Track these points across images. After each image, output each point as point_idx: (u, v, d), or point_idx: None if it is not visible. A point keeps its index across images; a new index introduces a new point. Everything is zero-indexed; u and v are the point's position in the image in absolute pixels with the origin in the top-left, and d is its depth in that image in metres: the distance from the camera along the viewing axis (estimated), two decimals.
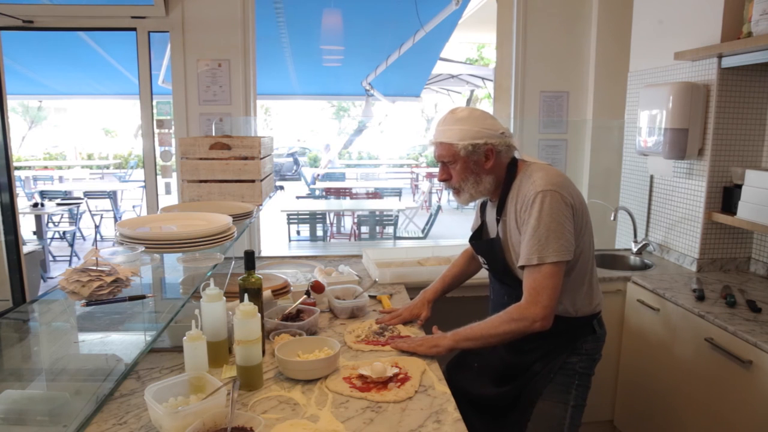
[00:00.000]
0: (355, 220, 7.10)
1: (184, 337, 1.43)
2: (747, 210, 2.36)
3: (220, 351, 1.59)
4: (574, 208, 1.63)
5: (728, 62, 2.45)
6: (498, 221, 1.74)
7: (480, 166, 1.69)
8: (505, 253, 1.73)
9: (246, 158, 2.23)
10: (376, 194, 8.21)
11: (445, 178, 1.74)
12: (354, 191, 8.74)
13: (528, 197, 1.61)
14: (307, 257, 2.96)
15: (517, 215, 1.66)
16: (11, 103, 12.56)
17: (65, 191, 8.65)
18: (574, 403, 1.71)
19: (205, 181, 2.24)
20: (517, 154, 1.76)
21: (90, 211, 7.90)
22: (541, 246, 1.57)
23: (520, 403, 1.75)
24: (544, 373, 1.71)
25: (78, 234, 7.60)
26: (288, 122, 20.02)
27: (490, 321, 1.65)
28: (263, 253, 3.29)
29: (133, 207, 9.43)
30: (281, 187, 12.17)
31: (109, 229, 8.20)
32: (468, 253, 2.11)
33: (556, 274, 1.58)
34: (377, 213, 6.89)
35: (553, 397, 1.69)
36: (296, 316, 1.93)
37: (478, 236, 1.89)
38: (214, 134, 3.08)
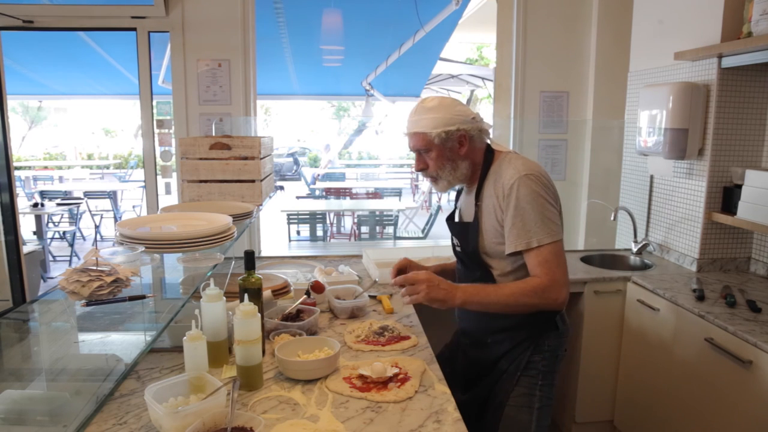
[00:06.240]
0: (355, 220, 7.10)
1: (184, 337, 1.43)
2: (747, 210, 2.36)
3: (220, 351, 1.59)
4: (555, 194, 1.67)
5: (728, 62, 2.45)
6: (476, 206, 1.75)
7: (455, 153, 1.72)
8: (478, 237, 1.74)
9: (246, 158, 2.23)
10: (376, 194, 8.21)
11: (422, 168, 1.76)
12: (354, 191, 8.74)
13: (511, 182, 1.63)
14: (307, 257, 2.95)
15: (499, 200, 1.66)
16: (11, 103, 12.56)
17: (65, 191, 8.64)
18: (539, 405, 1.70)
19: (205, 181, 2.24)
20: (490, 141, 1.78)
21: (90, 211, 7.89)
22: (538, 227, 1.59)
23: (488, 409, 1.75)
24: (510, 371, 1.71)
25: (78, 234, 7.59)
26: (288, 122, 20.01)
27: (509, 290, 1.60)
28: (263, 253, 3.29)
29: (133, 207, 9.43)
30: (281, 187, 12.17)
31: (109, 229, 8.19)
32: None
33: (560, 252, 1.61)
34: (377, 213, 6.89)
35: (518, 401, 1.69)
36: (296, 316, 1.93)
37: (452, 218, 1.91)
38: (214, 134, 3.08)
